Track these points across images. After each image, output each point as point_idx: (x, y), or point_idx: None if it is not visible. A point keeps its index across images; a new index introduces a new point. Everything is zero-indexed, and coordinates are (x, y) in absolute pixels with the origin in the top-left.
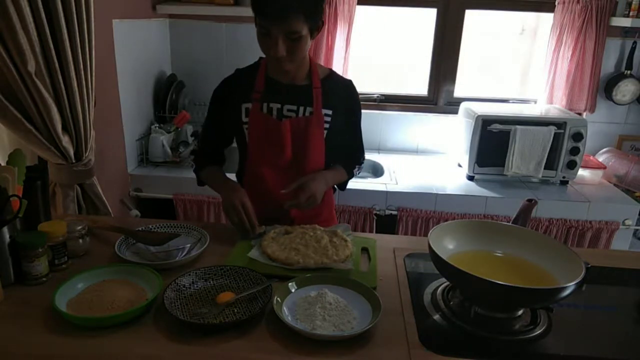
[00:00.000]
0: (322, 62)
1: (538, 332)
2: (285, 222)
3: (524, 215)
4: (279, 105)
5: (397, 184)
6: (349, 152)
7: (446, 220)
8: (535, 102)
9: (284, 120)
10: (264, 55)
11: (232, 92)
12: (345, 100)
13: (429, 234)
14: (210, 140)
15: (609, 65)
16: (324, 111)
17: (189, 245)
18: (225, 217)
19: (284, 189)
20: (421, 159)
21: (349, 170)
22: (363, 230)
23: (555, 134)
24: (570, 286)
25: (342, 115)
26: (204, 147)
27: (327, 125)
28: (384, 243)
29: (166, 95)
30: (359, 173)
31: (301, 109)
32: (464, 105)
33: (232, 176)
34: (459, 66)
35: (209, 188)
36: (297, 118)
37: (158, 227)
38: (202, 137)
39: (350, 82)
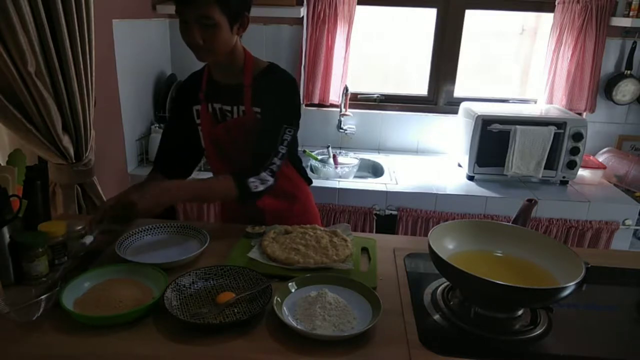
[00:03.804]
0: (322, 62)
1: (538, 332)
2: (258, 217)
3: (524, 215)
4: (219, 105)
5: (397, 184)
6: (252, 158)
7: (446, 220)
8: (535, 102)
9: (219, 125)
10: (263, 52)
11: (186, 94)
12: (273, 96)
13: (429, 234)
14: (170, 144)
15: (609, 65)
16: (254, 109)
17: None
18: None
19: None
20: (421, 159)
21: (239, 181)
22: (363, 230)
23: (555, 134)
24: (570, 286)
25: (267, 112)
26: (163, 151)
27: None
28: (384, 243)
29: (166, 95)
30: (263, 188)
31: (235, 108)
32: (464, 105)
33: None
34: (459, 66)
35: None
36: (233, 119)
37: (158, 227)
38: (162, 141)
39: (282, 78)
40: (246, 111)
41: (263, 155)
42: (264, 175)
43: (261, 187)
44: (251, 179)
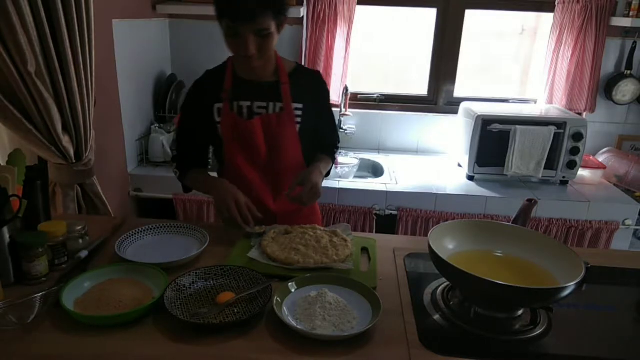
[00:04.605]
0: (322, 62)
1: (538, 332)
2: (269, 219)
3: (524, 215)
4: (248, 103)
5: (397, 184)
6: (326, 139)
7: (446, 220)
8: (535, 102)
9: (255, 118)
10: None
11: (204, 93)
12: (314, 92)
13: (429, 234)
14: (189, 143)
15: (609, 65)
16: (295, 105)
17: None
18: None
19: (286, 191)
20: (421, 159)
21: (331, 156)
22: (363, 230)
23: (555, 134)
24: (570, 286)
25: (313, 107)
26: (184, 150)
27: (299, 120)
28: (384, 243)
29: (166, 95)
30: (337, 155)
31: (271, 105)
32: (464, 105)
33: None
34: (459, 66)
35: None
36: (268, 115)
37: (158, 227)
38: (179, 142)
39: (318, 73)
40: (285, 107)
41: (334, 134)
42: (337, 148)
43: (337, 155)
44: (335, 153)
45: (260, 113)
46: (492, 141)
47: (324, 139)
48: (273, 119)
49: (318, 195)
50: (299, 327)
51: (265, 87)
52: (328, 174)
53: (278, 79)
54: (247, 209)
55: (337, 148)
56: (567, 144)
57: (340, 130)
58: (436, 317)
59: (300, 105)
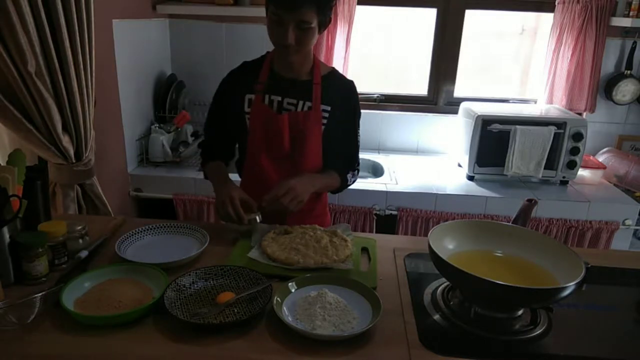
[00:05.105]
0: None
1: (538, 332)
2: (280, 216)
3: (524, 215)
4: (279, 98)
5: (397, 184)
6: (344, 156)
7: (446, 220)
8: (535, 102)
9: (283, 113)
10: (264, 52)
11: (237, 82)
12: (344, 99)
13: (429, 234)
14: (215, 132)
15: (609, 65)
16: (323, 107)
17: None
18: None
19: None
20: (421, 159)
21: (342, 176)
22: (363, 230)
23: (555, 134)
24: (570, 286)
25: (340, 113)
26: (210, 139)
27: (324, 121)
28: (384, 243)
29: (166, 95)
30: (354, 181)
31: (300, 103)
32: (463, 105)
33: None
34: (459, 66)
35: (210, 188)
36: (296, 112)
37: (158, 227)
38: (206, 130)
39: (351, 82)
40: (313, 107)
41: (352, 155)
42: (355, 171)
43: (352, 180)
44: (348, 174)
45: (289, 109)
46: (492, 141)
47: (342, 156)
48: (300, 116)
49: (299, 201)
50: (299, 327)
51: (298, 84)
52: (336, 191)
53: (312, 78)
54: (241, 205)
55: (354, 172)
56: (567, 144)
57: None
58: (436, 317)
59: (328, 108)
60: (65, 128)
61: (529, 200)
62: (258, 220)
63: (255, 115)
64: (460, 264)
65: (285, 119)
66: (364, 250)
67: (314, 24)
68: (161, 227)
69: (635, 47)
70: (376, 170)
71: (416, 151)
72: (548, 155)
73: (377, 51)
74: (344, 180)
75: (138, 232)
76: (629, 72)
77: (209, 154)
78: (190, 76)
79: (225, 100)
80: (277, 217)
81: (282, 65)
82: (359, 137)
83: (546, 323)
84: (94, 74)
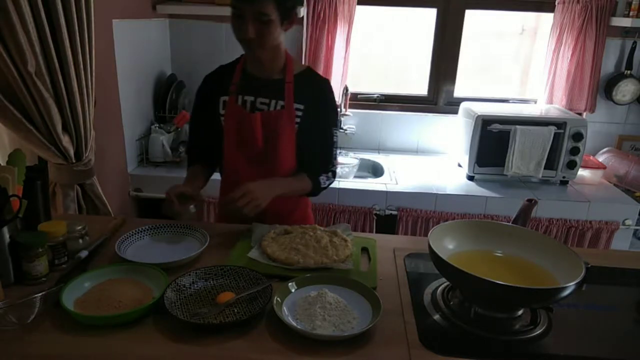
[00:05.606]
0: (322, 62)
1: (538, 332)
2: (259, 217)
3: (524, 215)
4: (252, 98)
5: (397, 184)
6: (319, 157)
7: (446, 220)
8: (535, 102)
9: (255, 113)
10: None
11: (213, 86)
12: (318, 98)
13: (429, 234)
14: (197, 136)
15: (609, 65)
16: (296, 105)
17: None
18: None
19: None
20: (421, 159)
21: (314, 179)
22: (363, 230)
23: (555, 134)
24: (570, 286)
25: (314, 112)
26: (191, 143)
27: (298, 120)
28: (384, 243)
29: (166, 95)
30: (329, 183)
31: (273, 102)
32: (463, 105)
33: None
34: (459, 66)
35: (209, 188)
36: (269, 111)
37: (158, 227)
38: (189, 134)
39: (326, 81)
40: (286, 106)
41: (326, 156)
42: (329, 174)
43: (327, 183)
44: (322, 177)
45: (262, 109)
46: (492, 141)
47: (316, 157)
48: (273, 115)
49: (257, 205)
50: (299, 327)
51: (270, 84)
52: (310, 195)
53: (284, 77)
54: (180, 197)
55: (329, 174)
56: (567, 144)
57: (340, 130)
58: (436, 317)
59: (301, 106)
60: (65, 128)
61: (529, 200)
62: (192, 211)
63: (229, 116)
64: (460, 264)
65: (258, 117)
66: (364, 250)
67: (274, 17)
68: (161, 227)
69: (635, 47)
70: (376, 170)
71: (416, 151)
72: (548, 155)
73: (377, 51)
74: (316, 183)
75: (138, 232)
76: (629, 72)
77: (192, 158)
78: (190, 76)
79: (203, 105)
80: (240, 217)
81: (253, 65)
82: (335, 136)
83: (546, 323)
84: (94, 74)
